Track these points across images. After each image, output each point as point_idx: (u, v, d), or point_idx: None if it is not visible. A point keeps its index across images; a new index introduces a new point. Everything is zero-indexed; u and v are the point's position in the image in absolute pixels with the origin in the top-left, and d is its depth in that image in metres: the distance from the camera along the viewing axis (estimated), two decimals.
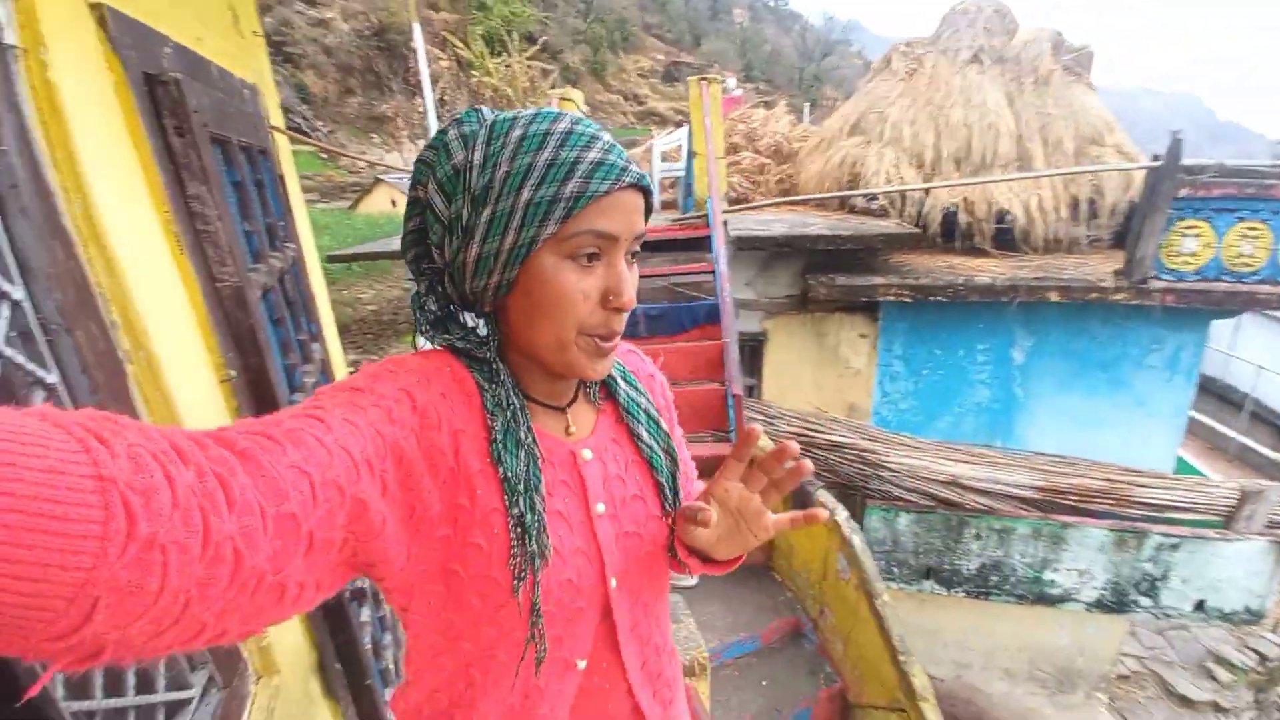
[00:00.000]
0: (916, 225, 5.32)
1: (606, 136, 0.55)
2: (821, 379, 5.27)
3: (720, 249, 3.78)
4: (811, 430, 4.16)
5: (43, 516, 0.24)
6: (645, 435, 0.69)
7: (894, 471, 3.88)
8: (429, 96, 11.55)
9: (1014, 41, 6.08)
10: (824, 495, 2.68)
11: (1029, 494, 3.75)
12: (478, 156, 0.54)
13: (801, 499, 2.73)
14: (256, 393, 1.19)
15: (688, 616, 1.34)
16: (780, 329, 5.23)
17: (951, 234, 5.47)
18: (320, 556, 0.40)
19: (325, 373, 1.94)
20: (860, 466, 3.92)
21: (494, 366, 0.59)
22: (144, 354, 0.89)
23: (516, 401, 0.58)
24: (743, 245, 4.66)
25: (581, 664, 0.65)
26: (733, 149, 7.21)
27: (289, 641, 1.20)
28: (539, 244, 0.53)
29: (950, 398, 5.39)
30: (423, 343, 0.65)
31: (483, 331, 0.61)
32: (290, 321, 1.61)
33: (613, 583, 0.65)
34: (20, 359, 0.67)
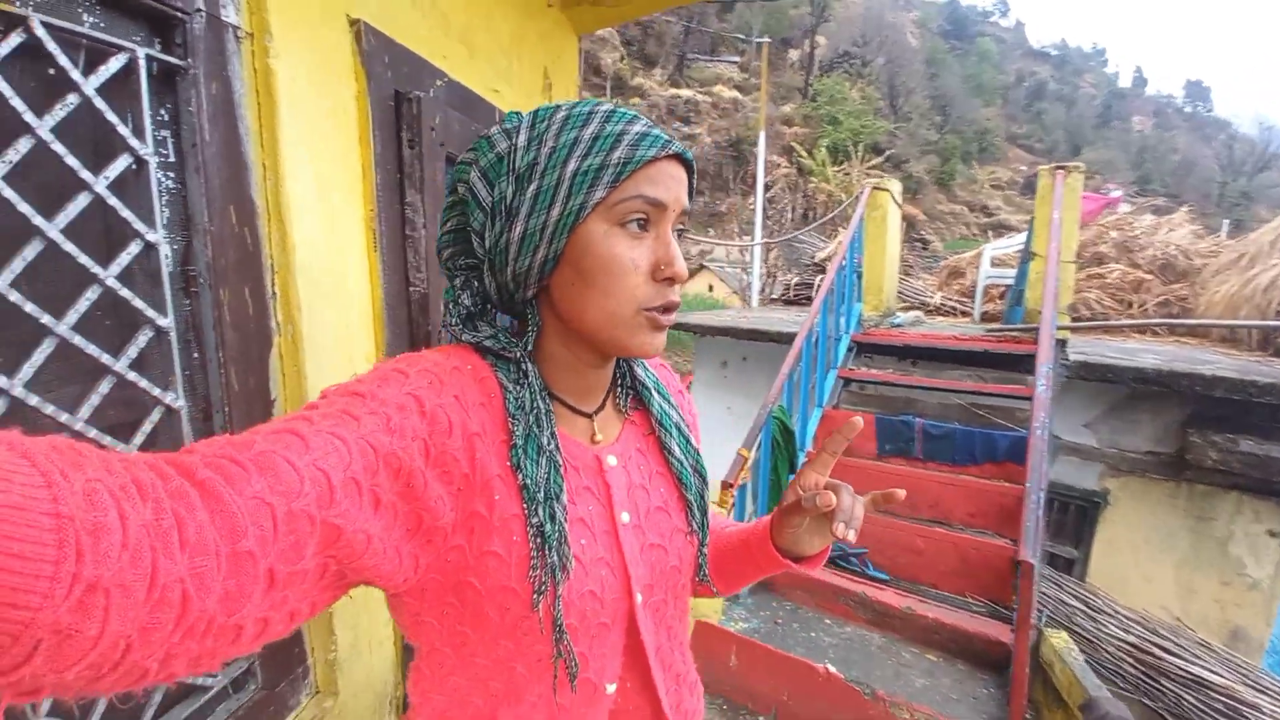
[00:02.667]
0: None
1: (647, 120, 0.55)
2: (1192, 580, 3.61)
3: (1045, 371, 2.93)
4: (1160, 648, 2.82)
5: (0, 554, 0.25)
6: (677, 450, 0.66)
7: None
8: (760, 195, 12.46)
9: None
10: None
11: None
12: (522, 139, 0.54)
13: None
14: None
15: None
16: (1131, 494, 3.80)
17: None
18: (289, 590, 0.38)
19: None
20: None
21: (523, 367, 0.56)
22: (292, 329, 0.92)
23: (541, 405, 0.55)
24: (1088, 374, 3.57)
25: (611, 688, 0.61)
26: (1097, 259, 5.81)
27: (368, 665, 1.12)
28: (588, 210, 0.52)
29: None
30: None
31: (507, 326, 0.60)
32: None
33: (638, 598, 0.61)
34: (128, 294, 0.70)
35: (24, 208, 0.60)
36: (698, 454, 0.69)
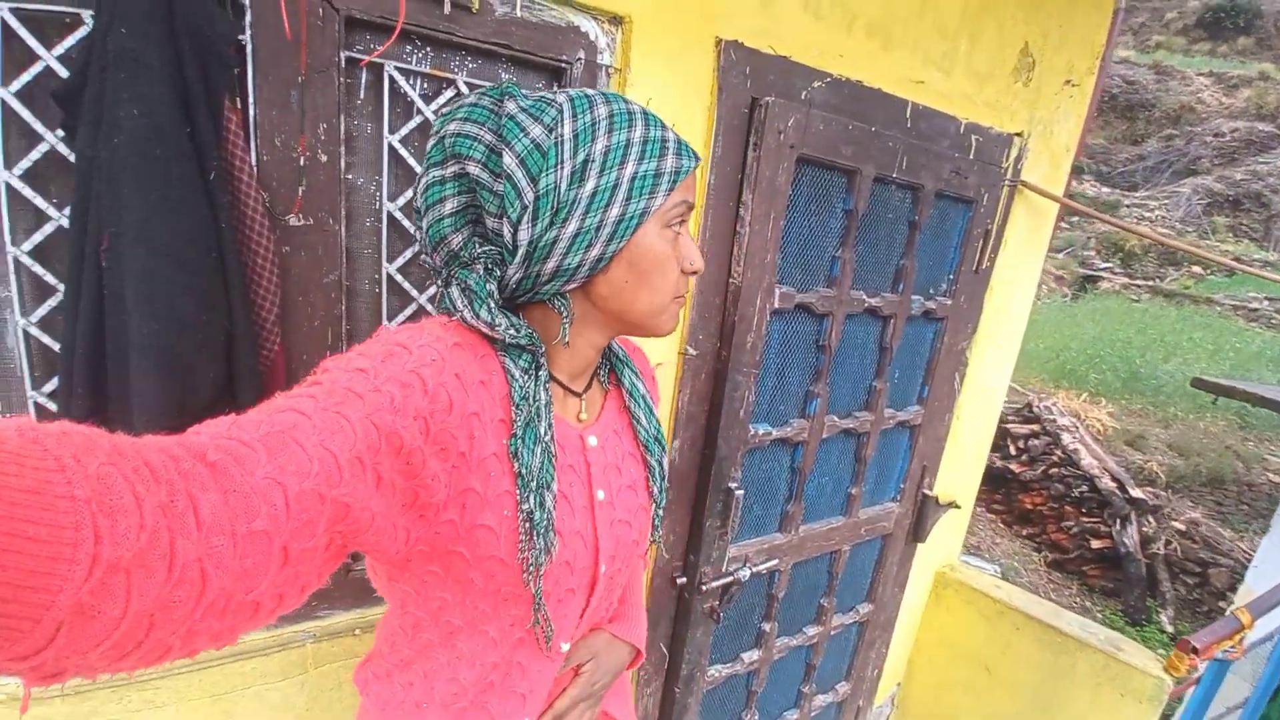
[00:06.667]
0: None
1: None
2: None
3: None
4: None
5: (16, 537, 0.24)
6: (643, 419, 0.73)
7: None
8: None
9: None
10: None
11: None
12: (567, 130, 0.54)
13: None
14: (709, 373, 1.31)
15: None
16: None
17: None
18: (301, 565, 0.39)
19: (911, 434, 1.76)
20: None
21: (539, 360, 0.59)
22: None
23: (544, 396, 0.58)
24: None
25: (565, 646, 0.69)
26: None
27: None
28: (649, 215, 0.56)
29: None
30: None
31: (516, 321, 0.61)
32: (849, 360, 1.55)
33: (603, 568, 0.67)
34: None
35: None
36: (659, 425, 0.75)
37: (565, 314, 0.59)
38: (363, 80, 0.94)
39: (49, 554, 0.25)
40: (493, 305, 0.56)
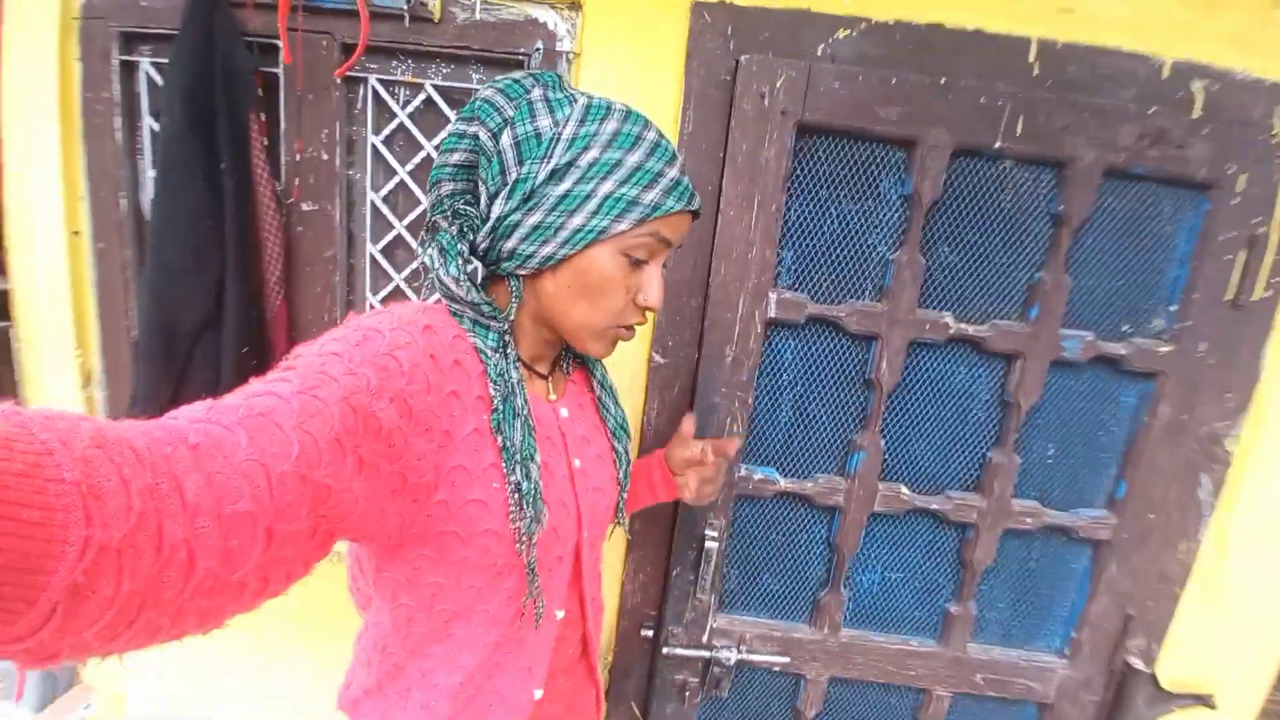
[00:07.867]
0: None
1: (681, 160, 0.62)
2: None
3: None
4: None
5: (10, 520, 0.25)
6: (612, 407, 0.77)
7: None
8: None
9: None
10: None
11: None
12: (568, 131, 0.56)
13: None
14: (685, 388, 1.08)
15: None
16: None
17: None
18: (286, 549, 0.39)
19: (1094, 553, 1.11)
20: None
21: (505, 339, 0.61)
22: None
23: (516, 374, 0.60)
24: None
25: (560, 614, 0.72)
26: None
27: None
28: (607, 236, 0.57)
29: None
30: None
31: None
32: (933, 410, 1.07)
33: (585, 533, 0.71)
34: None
35: (414, 187, 1.14)
36: (623, 413, 0.78)
37: (515, 293, 0.62)
38: (360, 93, 1.14)
39: (44, 536, 0.26)
40: (461, 263, 0.59)
